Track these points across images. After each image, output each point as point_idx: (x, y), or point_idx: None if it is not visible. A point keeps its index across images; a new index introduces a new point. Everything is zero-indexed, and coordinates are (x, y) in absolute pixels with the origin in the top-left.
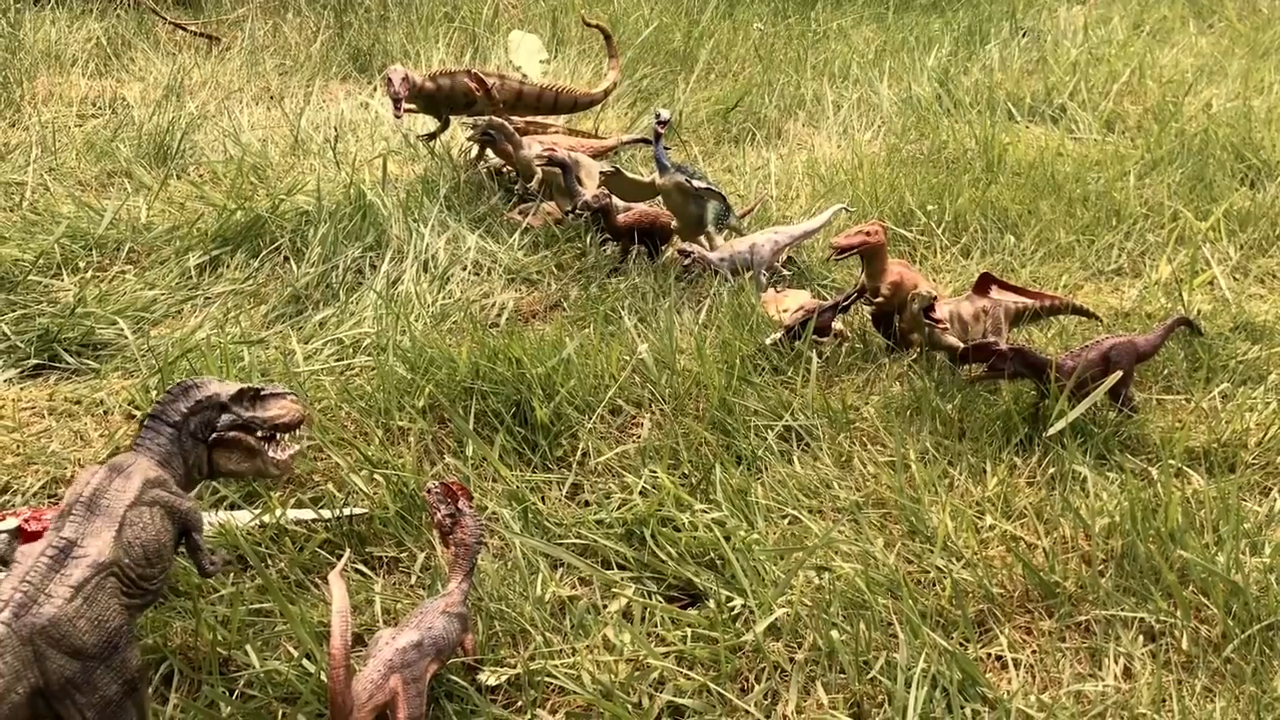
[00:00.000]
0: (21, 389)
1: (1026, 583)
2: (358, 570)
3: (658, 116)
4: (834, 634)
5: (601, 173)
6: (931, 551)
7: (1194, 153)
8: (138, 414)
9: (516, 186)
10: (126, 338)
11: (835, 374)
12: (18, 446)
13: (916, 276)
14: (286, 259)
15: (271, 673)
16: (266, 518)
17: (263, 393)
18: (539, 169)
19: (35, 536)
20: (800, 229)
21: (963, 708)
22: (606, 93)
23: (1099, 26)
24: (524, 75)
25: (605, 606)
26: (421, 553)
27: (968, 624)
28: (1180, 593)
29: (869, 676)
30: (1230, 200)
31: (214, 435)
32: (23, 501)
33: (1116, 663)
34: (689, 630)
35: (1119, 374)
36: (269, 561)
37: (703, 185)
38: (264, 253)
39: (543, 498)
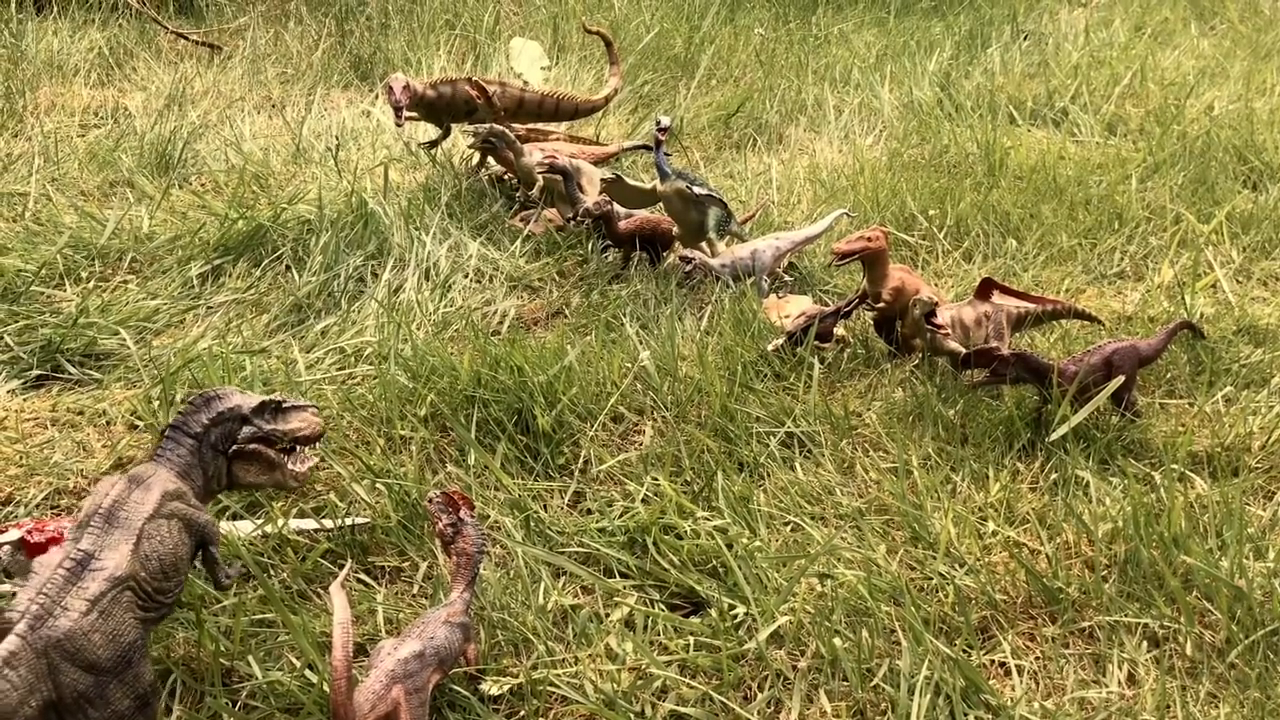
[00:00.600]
0: (24, 400)
1: (1029, 589)
2: (360, 580)
3: (658, 123)
4: (837, 641)
5: (603, 179)
6: (934, 558)
7: (1196, 155)
8: (140, 424)
9: (518, 194)
10: (129, 348)
11: (837, 380)
12: (20, 457)
13: (918, 282)
14: (288, 268)
15: (274, 683)
16: (269, 528)
17: (284, 405)
18: (540, 176)
19: (38, 547)
20: (802, 234)
21: (966, 715)
22: (608, 99)
23: (1100, 29)
24: (525, 82)
25: (607, 615)
26: (424, 562)
27: (971, 630)
28: (1184, 598)
29: (872, 684)
30: (1233, 203)
31: (234, 447)
32: (25, 513)
33: (1120, 669)
34: (691, 638)
35: (1121, 378)
36: (271, 572)
37: (704, 191)
38: (266, 262)
39: (545, 506)
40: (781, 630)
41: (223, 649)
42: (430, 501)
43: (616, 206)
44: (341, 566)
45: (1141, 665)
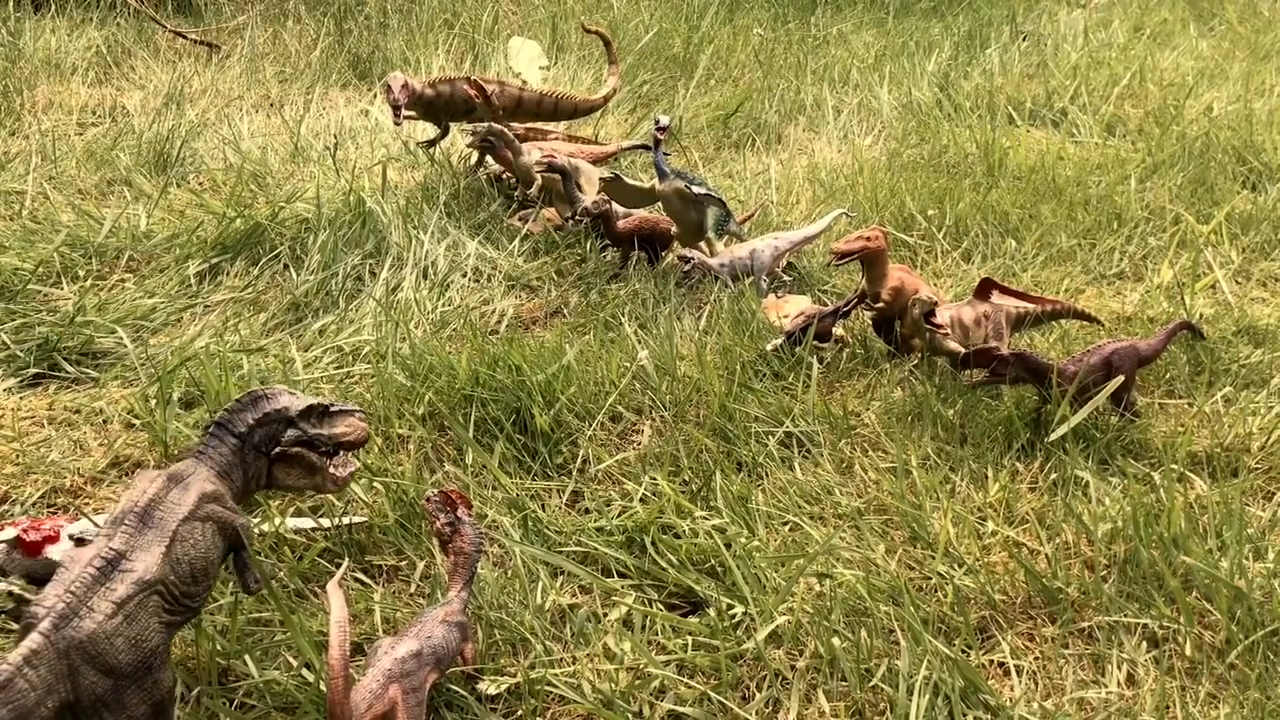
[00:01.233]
0: (21, 398)
1: (1029, 589)
2: (357, 579)
3: (657, 122)
4: (835, 641)
5: (601, 179)
6: (933, 558)
7: (1195, 156)
8: (137, 423)
9: (516, 193)
10: (126, 346)
11: (836, 380)
12: (17, 456)
13: (917, 282)
14: (286, 266)
15: (271, 682)
16: (266, 526)
17: (332, 409)
18: (539, 175)
19: (34, 546)
20: (800, 234)
21: (965, 715)
22: (606, 99)
23: (1099, 30)
24: (524, 82)
25: (605, 615)
26: (421, 561)
27: (970, 631)
28: (1184, 598)
29: (871, 684)
30: (1232, 203)
31: (277, 449)
32: (21, 511)
33: (1120, 669)
34: (690, 638)
35: (1121, 379)
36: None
37: (702, 191)
38: (263, 260)
39: (543, 505)
40: (780, 630)
41: (219, 648)
42: (428, 500)
43: (615, 206)
44: (339, 565)
45: (1141, 665)
